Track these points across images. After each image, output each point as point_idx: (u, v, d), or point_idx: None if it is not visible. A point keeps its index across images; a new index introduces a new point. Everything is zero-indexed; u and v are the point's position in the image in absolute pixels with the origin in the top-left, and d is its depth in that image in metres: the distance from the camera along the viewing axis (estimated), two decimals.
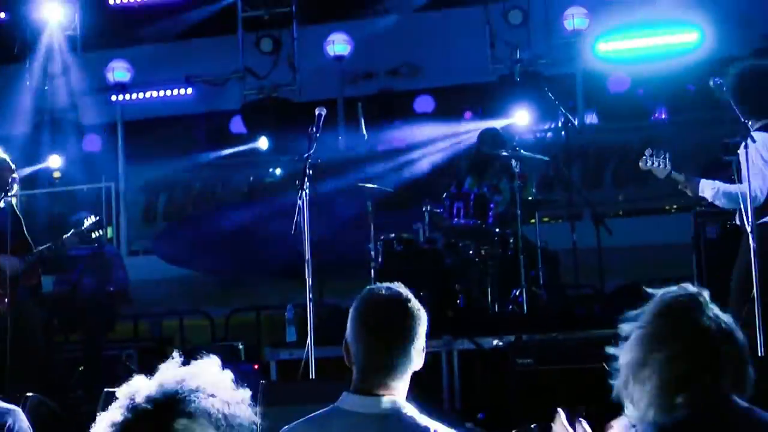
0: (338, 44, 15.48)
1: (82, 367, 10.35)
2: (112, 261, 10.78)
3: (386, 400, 3.51)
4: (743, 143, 6.87)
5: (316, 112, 8.06)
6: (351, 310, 3.67)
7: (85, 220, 9.91)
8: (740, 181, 7.06)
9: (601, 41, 14.45)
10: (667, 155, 7.36)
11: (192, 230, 16.47)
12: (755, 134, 6.82)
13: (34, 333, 9.32)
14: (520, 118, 13.38)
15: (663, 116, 16.82)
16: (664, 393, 3.01)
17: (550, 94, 12.19)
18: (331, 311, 9.94)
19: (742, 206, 6.92)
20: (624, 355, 3.11)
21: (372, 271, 9.80)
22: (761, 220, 6.81)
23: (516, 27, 14.71)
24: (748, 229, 6.72)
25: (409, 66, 17.40)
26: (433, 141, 15.25)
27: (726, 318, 3.09)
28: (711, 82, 7.40)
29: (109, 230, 11.41)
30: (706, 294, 3.14)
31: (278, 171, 16.84)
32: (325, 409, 3.62)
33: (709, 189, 7.16)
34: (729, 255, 7.95)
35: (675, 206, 13.52)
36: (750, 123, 6.99)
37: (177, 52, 16.23)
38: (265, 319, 13.24)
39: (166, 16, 16.11)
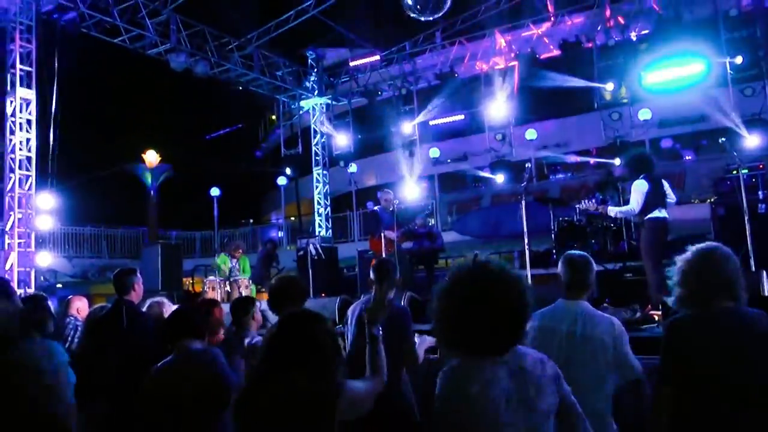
0: (530, 132, 15.20)
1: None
2: (436, 233, 10.73)
3: (583, 302, 3.17)
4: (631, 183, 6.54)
5: (526, 165, 8.03)
6: (562, 258, 3.29)
7: (424, 217, 10.22)
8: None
9: (660, 123, 13.63)
10: (598, 198, 7.19)
11: (466, 219, 16.50)
12: (638, 181, 6.38)
13: (403, 263, 9.30)
14: (618, 162, 12.83)
15: (688, 157, 15.76)
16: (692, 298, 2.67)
17: (632, 151, 11.79)
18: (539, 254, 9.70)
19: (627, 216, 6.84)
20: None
21: (553, 235, 9.60)
22: (646, 217, 6.35)
23: (615, 121, 14.05)
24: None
25: (564, 141, 16.93)
26: (578, 173, 14.91)
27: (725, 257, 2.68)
28: (720, 140, 6.98)
29: (432, 220, 11.59)
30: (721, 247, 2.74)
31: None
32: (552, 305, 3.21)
33: (612, 211, 6.76)
34: (729, 223, 7.43)
35: (698, 199, 12.57)
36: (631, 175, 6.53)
37: (459, 144, 16.35)
38: (507, 257, 13.13)
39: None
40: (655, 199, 6.35)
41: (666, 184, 6.53)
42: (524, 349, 2.02)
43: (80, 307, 5.61)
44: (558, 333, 3.01)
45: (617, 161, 12.96)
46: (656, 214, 6.32)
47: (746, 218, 6.65)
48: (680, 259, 2.75)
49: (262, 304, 5.37)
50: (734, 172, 7.73)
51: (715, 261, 2.66)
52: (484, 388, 1.87)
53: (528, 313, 2.00)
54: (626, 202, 7.48)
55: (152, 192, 21.94)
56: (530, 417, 1.88)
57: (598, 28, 13.88)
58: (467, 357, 1.95)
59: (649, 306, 5.81)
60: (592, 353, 2.94)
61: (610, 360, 2.95)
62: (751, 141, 11.86)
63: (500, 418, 1.85)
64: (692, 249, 2.76)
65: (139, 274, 4.54)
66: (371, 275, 4.36)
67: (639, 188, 6.33)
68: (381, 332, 2.86)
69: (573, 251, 3.35)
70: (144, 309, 4.67)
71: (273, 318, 4.26)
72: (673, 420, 2.51)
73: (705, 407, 2.46)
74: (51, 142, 10.47)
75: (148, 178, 21.99)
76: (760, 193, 7.82)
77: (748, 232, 6.53)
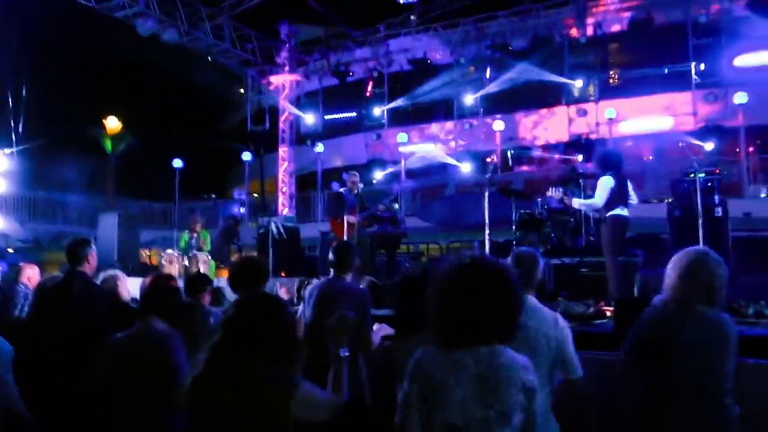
0: (497, 123, 15.15)
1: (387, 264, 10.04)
2: (400, 219, 10.58)
3: (529, 296, 3.01)
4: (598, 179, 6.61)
5: (492, 157, 8.02)
6: (511, 254, 3.19)
7: (389, 201, 10.11)
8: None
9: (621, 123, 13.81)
10: (563, 189, 7.21)
11: (430, 206, 16.49)
12: (604, 177, 6.46)
13: (364, 246, 8.98)
14: (581, 159, 12.95)
15: (649, 157, 16.09)
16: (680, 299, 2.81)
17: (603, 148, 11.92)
18: (499, 244, 9.72)
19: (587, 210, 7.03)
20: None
21: (513, 226, 9.65)
22: (608, 213, 6.50)
23: (581, 117, 14.17)
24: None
25: (530, 135, 16.94)
26: (542, 166, 15.00)
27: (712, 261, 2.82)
28: (679, 143, 7.10)
29: (396, 205, 11.38)
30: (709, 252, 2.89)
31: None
32: None
33: (576, 203, 6.84)
34: (684, 224, 7.60)
35: (656, 199, 12.82)
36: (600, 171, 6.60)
37: (427, 130, 16.21)
38: (467, 246, 13.11)
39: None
40: (619, 196, 6.44)
41: (630, 186, 6.63)
42: (509, 351, 2.02)
43: (31, 275, 5.47)
44: None
45: (580, 158, 13.10)
46: (618, 212, 6.42)
47: (700, 221, 6.79)
48: (676, 262, 2.87)
49: (221, 281, 5.31)
50: (691, 175, 7.91)
51: (709, 269, 2.80)
52: (449, 375, 1.92)
53: (519, 305, 2.04)
54: (588, 198, 7.58)
55: (112, 159, 21.40)
56: (485, 414, 1.91)
57: (571, 23, 13.99)
58: (440, 346, 1.99)
59: (602, 302, 5.92)
60: (536, 347, 2.95)
61: (554, 355, 2.98)
62: (709, 146, 12.18)
63: (462, 407, 1.90)
64: (687, 253, 2.88)
65: (93, 246, 4.42)
66: (330, 256, 4.35)
67: (605, 184, 6.43)
68: (348, 353, 2.74)
69: (521, 247, 3.38)
70: (98, 281, 4.56)
71: (231, 296, 4.20)
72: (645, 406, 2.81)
73: (668, 398, 2.74)
74: (8, 104, 10.11)
75: (108, 145, 21.43)
76: (716, 197, 8.01)
77: (701, 235, 6.67)
